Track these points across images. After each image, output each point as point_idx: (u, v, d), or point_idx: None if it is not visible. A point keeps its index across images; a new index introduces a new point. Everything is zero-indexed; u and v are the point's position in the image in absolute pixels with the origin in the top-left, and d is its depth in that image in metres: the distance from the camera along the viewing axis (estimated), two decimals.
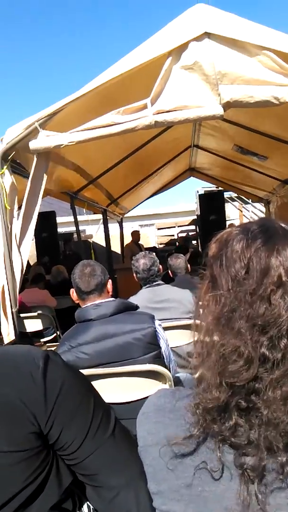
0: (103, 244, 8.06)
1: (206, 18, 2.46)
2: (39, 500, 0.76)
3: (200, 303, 0.75)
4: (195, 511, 0.66)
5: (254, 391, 0.64)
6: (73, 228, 7.18)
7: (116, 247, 8.90)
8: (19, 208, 2.84)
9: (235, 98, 2.32)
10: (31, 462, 0.76)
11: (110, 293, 2.10)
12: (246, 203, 11.51)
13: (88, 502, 0.86)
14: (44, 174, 2.77)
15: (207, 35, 2.42)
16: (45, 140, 2.64)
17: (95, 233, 11.77)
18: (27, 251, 2.82)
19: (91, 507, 0.86)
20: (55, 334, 4.31)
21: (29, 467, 0.75)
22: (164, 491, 0.70)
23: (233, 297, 0.67)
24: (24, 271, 2.84)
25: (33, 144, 2.65)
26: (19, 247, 2.77)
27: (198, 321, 0.75)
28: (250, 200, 9.88)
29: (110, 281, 2.12)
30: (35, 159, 2.73)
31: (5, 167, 2.75)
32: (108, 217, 7.52)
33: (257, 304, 0.65)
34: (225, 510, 0.64)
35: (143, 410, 0.79)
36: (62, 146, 2.64)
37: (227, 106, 2.37)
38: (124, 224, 9.32)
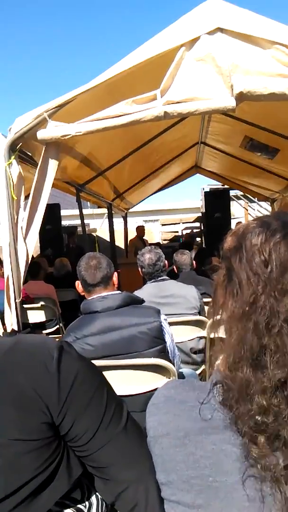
0: (107, 238, 8.05)
1: (219, 13, 2.44)
2: (48, 490, 0.76)
3: (216, 296, 0.73)
4: (205, 501, 0.65)
5: (281, 386, 0.62)
6: (77, 222, 7.17)
7: (119, 242, 8.89)
8: (26, 198, 2.82)
9: (248, 89, 2.28)
10: (42, 452, 0.75)
11: (116, 286, 2.09)
12: (252, 201, 11.47)
13: (97, 493, 0.86)
14: (53, 164, 2.75)
15: (220, 30, 2.40)
16: (53, 130, 2.63)
17: (99, 227, 11.76)
18: (33, 242, 2.80)
19: (100, 497, 0.86)
20: (57, 326, 4.31)
21: (40, 457, 0.75)
22: (173, 481, 0.69)
23: (254, 291, 0.65)
24: (29, 262, 2.83)
25: (41, 134, 2.63)
26: (25, 238, 2.76)
27: (212, 313, 0.74)
28: (256, 198, 9.84)
29: (116, 273, 2.11)
30: (43, 149, 2.72)
31: (12, 157, 2.73)
32: (112, 212, 7.50)
33: (282, 298, 0.63)
34: (235, 501, 0.63)
35: (152, 401, 0.79)
36: (69, 136, 2.62)
37: (239, 97, 2.33)
38: (128, 219, 9.30)
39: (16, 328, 2.73)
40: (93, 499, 0.86)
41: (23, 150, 2.84)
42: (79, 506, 0.83)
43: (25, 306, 3.72)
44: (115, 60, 2.60)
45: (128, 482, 0.80)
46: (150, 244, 7.51)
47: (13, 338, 0.85)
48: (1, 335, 2.61)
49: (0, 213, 2.74)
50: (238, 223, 7.94)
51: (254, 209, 12.16)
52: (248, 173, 6.87)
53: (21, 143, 2.75)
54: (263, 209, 11.30)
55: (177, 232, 14.29)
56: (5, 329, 2.70)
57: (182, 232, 13.65)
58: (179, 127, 5.15)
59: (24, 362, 0.79)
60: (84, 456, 0.81)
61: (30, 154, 2.94)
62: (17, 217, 2.75)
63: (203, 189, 10.94)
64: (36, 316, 4.07)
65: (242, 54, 2.32)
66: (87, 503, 0.84)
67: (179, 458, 0.69)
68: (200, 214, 12.02)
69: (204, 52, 2.34)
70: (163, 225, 15.14)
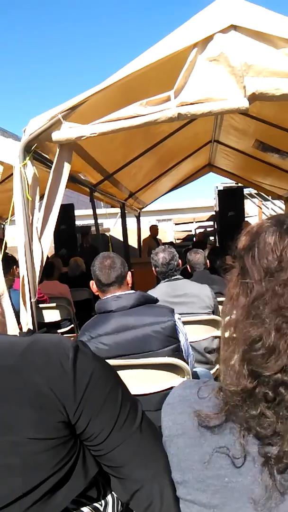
0: (120, 238, 8.07)
1: (232, 10, 2.42)
2: (65, 488, 0.77)
3: (229, 295, 0.74)
4: (221, 501, 0.66)
5: (283, 383, 0.63)
6: (91, 221, 7.21)
7: (133, 242, 8.90)
8: (41, 198, 2.85)
9: (261, 90, 2.28)
10: (59, 451, 0.76)
11: (130, 285, 2.10)
12: (266, 200, 11.39)
13: (112, 492, 0.87)
14: (67, 165, 2.78)
15: (234, 27, 2.39)
16: (67, 131, 2.65)
17: (112, 227, 11.80)
18: (48, 242, 2.83)
19: (115, 496, 0.87)
20: (72, 326, 4.34)
21: (56, 455, 0.76)
22: (189, 480, 0.70)
23: (265, 289, 0.66)
24: (44, 262, 2.86)
25: (56, 136, 2.66)
26: (40, 238, 2.79)
27: (226, 312, 0.74)
28: (270, 197, 9.77)
29: (129, 273, 2.12)
30: (57, 150, 2.74)
31: (27, 158, 2.76)
32: (126, 211, 7.52)
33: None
34: (252, 501, 0.64)
35: (168, 401, 0.79)
36: (84, 138, 2.64)
37: (252, 98, 2.33)
38: (141, 218, 9.31)
39: (31, 328, 2.76)
40: (109, 497, 0.87)
41: (38, 151, 2.86)
42: (95, 504, 0.84)
43: (40, 305, 3.76)
44: (129, 60, 2.61)
45: (143, 481, 0.81)
46: (164, 244, 7.51)
47: (29, 337, 0.86)
48: (18, 335, 2.64)
49: (16, 213, 2.77)
50: (245, 222, 7.86)
51: (268, 208, 12.07)
52: (262, 171, 6.82)
53: (35, 144, 2.77)
54: (277, 207, 11.22)
55: (191, 231, 14.27)
56: (20, 329, 2.73)
57: (195, 231, 13.63)
58: (192, 126, 5.13)
59: (40, 362, 0.80)
60: (99, 455, 0.82)
61: (46, 155, 2.97)
62: (32, 218, 2.78)
63: (217, 187, 10.91)
64: (51, 315, 4.11)
65: (255, 54, 2.31)
66: (103, 501, 0.85)
67: (195, 458, 0.69)
68: (213, 213, 11.98)
69: (217, 52, 2.34)
70: (176, 224, 15.11)
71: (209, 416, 0.69)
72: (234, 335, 0.69)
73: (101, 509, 0.84)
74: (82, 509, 0.82)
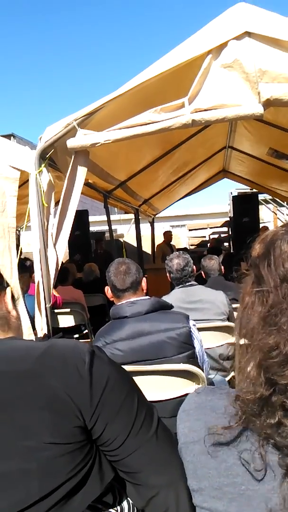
0: (134, 244, 8.09)
1: (247, 17, 2.43)
2: (81, 493, 0.77)
3: (244, 303, 0.74)
4: (237, 509, 0.65)
5: None
6: (105, 227, 7.26)
7: (146, 247, 8.91)
8: (56, 204, 2.88)
9: (276, 96, 2.28)
10: (75, 456, 0.77)
11: (145, 291, 2.11)
12: (281, 205, 11.30)
13: (128, 498, 0.87)
14: (82, 171, 2.80)
15: (248, 34, 2.39)
16: (82, 138, 2.67)
17: (126, 233, 11.83)
18: (63, 248, 2.86)
19: (131, 502, 0.86)
20: (86, 331, 4.36)
21: (73, 460, 0.76)
22: (205, 488, 0.69)
23: (281, 297, 0.65)
24: (59, 268, 2.88)
25: (71, 143, 2.68)
26: (55, 244, 2.82)
27: (241, 321, 0.74)
28: (285, 202, 9.69)
29: (144, 279, 2.12)
30: (72, 157, 2.76)
31: (43, 165, 2.79)
32: (139, 217, 7.54)
33: None
34: (269, 510, 0.63)
35: (183, 408, 0.79)
36: (98, 144, 2.66)
37: (267, 104, 2.33)
38: (155, 224, 9.32)
39: (46, 333, 2.78)
40: (125, 503, 0.86)
41: (53, 158, 2.90)
42: (111, 510, 0.84)
43: (54, 311, 3.78)
44: (141, 70, 2.62)
45: (159, 487, 0.80)
46: (178, 249, 7.48)
47: (45, 342, 0.87)
48: (34, 340, 2.66)
49: (31, 220, 2.80)
50: (264, 227, 7.81)
51: (283, 213, 11.98)
52: (277, 177, 6.78)
53: (51, 151, 2.81)
54: None
55: (205, 237, 14.23)
56: (35, 334, 2.75)
57: (209, 237, 13.60)
58: (206, 132, 5.14)
59: (56, 366, 0.80)
60: (115, 460, 0.82)
61: (58, 166, 3.00)
62: (48, 224, 2.81)
63: (231, 193, 10.87)
64: (65, 321, 4.13)
65: (270, 60, 2.31)
66: (118, 507, 0.85)
67: (211, 465, 0.69)
68: (227, 219, 11.95)
69: (231, 59, 2.34)
70: (190, 230, 15.09)
71: (224, 431, 0.68)
72: (251, 344, 0.69)
73: None
74: None
